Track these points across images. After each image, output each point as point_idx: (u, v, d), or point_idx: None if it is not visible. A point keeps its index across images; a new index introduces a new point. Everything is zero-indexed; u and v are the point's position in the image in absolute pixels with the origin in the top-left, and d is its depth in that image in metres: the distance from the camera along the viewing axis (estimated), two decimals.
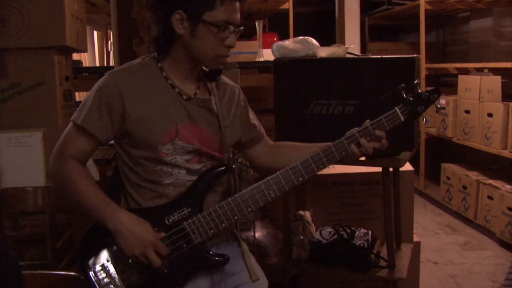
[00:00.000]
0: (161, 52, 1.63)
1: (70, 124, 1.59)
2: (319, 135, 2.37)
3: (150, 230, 1.54)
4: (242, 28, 1.60)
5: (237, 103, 1.76)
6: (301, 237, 2.37)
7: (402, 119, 1.57)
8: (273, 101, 2.50)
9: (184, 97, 1.62)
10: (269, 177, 1.58)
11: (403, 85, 1.60)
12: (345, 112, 2.34)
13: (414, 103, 1.57)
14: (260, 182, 1.58)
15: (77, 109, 1.60)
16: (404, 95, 1.58)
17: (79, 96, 3.97)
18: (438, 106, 1.60)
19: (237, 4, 1.56)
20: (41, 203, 2.55)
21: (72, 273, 1.59)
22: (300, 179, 1.58)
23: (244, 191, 1.57)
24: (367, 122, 1.61)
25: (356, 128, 1.64)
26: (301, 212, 2.45)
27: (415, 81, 1.64)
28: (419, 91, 1.59)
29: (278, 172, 1.58)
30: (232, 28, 1.57)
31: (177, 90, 1.61)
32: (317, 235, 2.38)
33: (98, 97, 1.56)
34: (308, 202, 2.64)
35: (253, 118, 1.84)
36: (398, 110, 1.57)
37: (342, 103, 2.35)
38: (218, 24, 1.53)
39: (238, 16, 1.58)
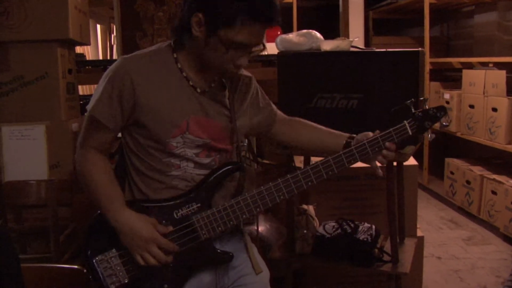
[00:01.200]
0: (178, 43, 1.59)
1: (86, 113, 1.58)
2: None
3: (149, 226, 1.53)
4: (262, 48, 1.54)
5: (251, 93, 1.75)
6: (305, 231, 2.37)
7: (410, 133, 1.60)
8: (277, 94, 2.49)
9: (198, 90, 1.59)
10: (279, 179, 1.58)
11: (412, 99, 1.64)
12: (349, 105, 2.33)
13: (422, 119, 1.60)
14: (270, 184, 1.57)
15: (92, 98, 1.58)
16: (413, 110, 1.61)
17: (82, 89, 3.97)
18: (444, 123, 1.64)
19: (261, 27, 1.49)
20: (44, 196, 2.56)
21: (75, 266, 1.58)
22: (309, 183, 1.59)
23: (254, 191, 1.57)
24: (377, 133, 1.62)
25: (368, 133, 1.65)
26: (305, 206, 2.44)
27: (423, 98, 1.67)
28: (427, 107, 1.62)
29: (288, 175, 1.58)
30: (246, 50, 1.52)
31: (191, 83, 1.58)
32: (320, 229, 2.37)
33: (109, 83, 1.53)
34: (311, 196, 2.63)
35: (265, 104, 1.82)
36: (407, 124, 1.60)
37: (346, 96, 2.33)
38: (229, 44, 1.48)
39: (260, 38, 1.52)
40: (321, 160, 1.59)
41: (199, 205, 1.57)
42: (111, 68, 1.56)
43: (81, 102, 3.21)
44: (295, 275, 2.65)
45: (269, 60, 3.45)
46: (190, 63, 1.59)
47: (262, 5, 1.45)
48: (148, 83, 1.53)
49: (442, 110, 1.62)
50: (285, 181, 1.57)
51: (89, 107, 1.56)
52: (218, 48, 1.49)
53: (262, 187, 1.57)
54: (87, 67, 3.56)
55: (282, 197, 1.58)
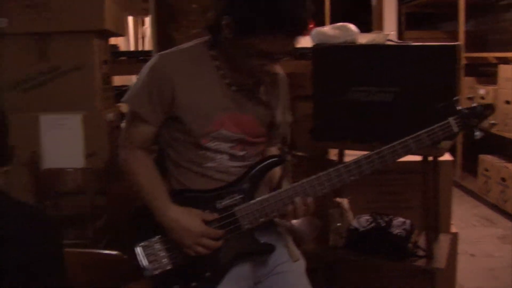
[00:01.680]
0: (213, 40, 1.60)
1: (128, 109, 1.62)
2: (358, 122, 2.36)
3: (197, 220, 1.55)
4: (295, 50, 1.53)
5: (285, 93, 1.75)
6: (338, 224, 2.36)
7: (456, 130, 1.59)
8: (311, 87, 2.48)
9: (235, 87, 1.60)
10: (322, 173, 1.57)
11: (457, 97, 1.63)
12: (384, 99, 2.31)
13: (468, 116, 1.59)
14: (313, 177, 1.57)
15: (128, 91, 1.60)
16: (458, 107, 1.60)
17: (116, 80, 3.99)
18: (491, 122, 1.63)
19: (285, 37, 1.45)
20: (81, 184, 2.61)
21: (115, 252, 1.60)
22: (352, 178, 1.58)
23: (296, 184, 1.57)
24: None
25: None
26: (339, 199, 2.43)
27: (470, 96, 1.65)
28: (473, 105, 1.61)
29: (330, 169, 1.57)
30: (272, 58, 1.51)
31: (227, 81, 1.59)
32: (354, 223, 2.36)
33: (148, 80, 1.55)
34: (345, 190, 2.61)
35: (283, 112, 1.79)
36: (452, 121, 1.58)
37: (381, 90, 2.31)
38: (254, 51, 1.46)
39: (286, 48, 1.48)
40: (365, 155, 1.58)
41: (242, 196, 1.58)
42: (148, 64, 1.59)
43: (116, 92, 3.25)
44: (327, 268, 2.64)
45: (302, 53, 3.43)
46: (226, 61, 1.59)
47: (285, 17, 1.41)
48: (185, 79, 1.55)
49: (490, 108, 1.61)
50: (327, 175, 1.56)
51: (128, 102, 1.59)
52: (245, 54, 1.49)
53: (304, 180, 1.57)
54: (121, 58, 3.60)
55: (324, 190, 1.57)
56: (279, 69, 1.74)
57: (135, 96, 1.57)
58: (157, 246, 1.58)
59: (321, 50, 2.44)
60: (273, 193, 1.58)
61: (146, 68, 1.58)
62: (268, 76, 1.66)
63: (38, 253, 1.19)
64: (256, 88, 1.65)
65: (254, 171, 1.61)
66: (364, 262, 2.62)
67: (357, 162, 1.57)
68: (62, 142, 2.77)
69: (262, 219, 1.58)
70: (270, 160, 1.64)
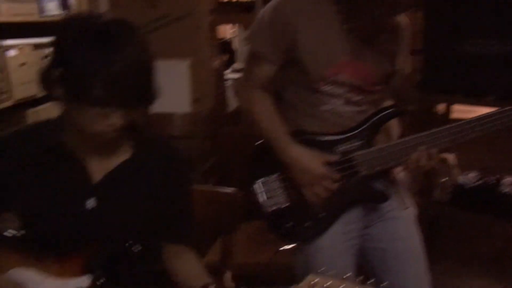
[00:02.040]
0: None
1: (249, 50, 1.64)
2: (470, 75, 2.28)
3: (319, 163, 1.57)
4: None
5: (405, 42, 1.71)
6: (444, 180, 2.32)
7: None
8: (417, 40, 2.40)
9: (355, 34, 1.58)
10: (441, 128, 1.54)
11: None
12: (502, 51, 2.21)
13: None
14: (432, 131, 1.55)
15: (249, 32, 1.63)
16: None
17: (221, 29, 4.06)
18: None
19: None
20: (188, 128, 2.71)
21: (231, 189, 1.66)
22: (471, 135, 1.54)
23: (416, 135, 1.55)
24: None
25: None
26: (445, 155, 2.38)
27: None
28: None
29: (449, 125, 1.54)
30: (398, 10, 1.49)
31: (348, 26, 1.57)
32: (461, 179, 2.31)
33: (270, 21, 1.56)
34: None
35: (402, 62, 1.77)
36: None
37: (500, 41, 2.21)
38: (379, 4, 1.45)
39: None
40: (484, 114, 1.53)
41: (361, 142, 1.59)
42: (271, 5, 1.59)
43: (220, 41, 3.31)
44: (430, 222, 2.61)
45: None
46: (348, 7, 1.56)
47: None
48: (307, 22, 1.54)
49: None
50: (445, 130, 1.53)
51: (250, 41, 1.61)
52: (370, 4, 1.47)
53: (424, 133, 1.55)
54: (225, 8, 3.63)
55: (441, 146, 1.55)
56: (402, 16, 1.70)
57: (257, 36, 1.59)
58: (276, 183, 1.62)
59: (433, 0, 2.35)
60: (393, 142, 1.57)
61: (268, 8, 1.59)
62: (390, 24, 1.62)
63: (178, 180, 1.29)
64: (377, 36, 1.62)
65: (375, 118, 1.60)
66: (468, 220, 2.58)
67: (479, 119, 1.52)
68: (170, 87, 2.85)
69: (379, 167, 1.58)
70: (392, 110, 1.61)
